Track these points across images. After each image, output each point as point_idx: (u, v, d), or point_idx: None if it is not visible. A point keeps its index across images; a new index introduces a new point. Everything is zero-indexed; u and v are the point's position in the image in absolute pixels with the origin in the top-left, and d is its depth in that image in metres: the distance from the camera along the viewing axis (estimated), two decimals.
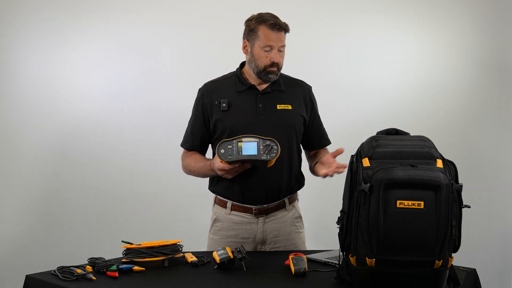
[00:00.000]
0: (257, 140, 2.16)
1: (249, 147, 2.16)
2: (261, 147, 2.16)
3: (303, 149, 2.49)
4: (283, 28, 2.29)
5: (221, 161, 2.17)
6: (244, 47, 2.36)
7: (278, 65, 2.31)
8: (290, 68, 2.53)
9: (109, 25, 3.54)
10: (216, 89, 2.39)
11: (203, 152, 2.45)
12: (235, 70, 2.44)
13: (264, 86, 2.38)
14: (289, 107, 2.36)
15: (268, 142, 2.16)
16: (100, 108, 3.53)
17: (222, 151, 2.16)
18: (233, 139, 2.17)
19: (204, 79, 2.48)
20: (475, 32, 3.63)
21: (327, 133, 2.52)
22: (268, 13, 2.32)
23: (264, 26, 2.27)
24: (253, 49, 2.31)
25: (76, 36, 3.53)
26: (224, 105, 2.32)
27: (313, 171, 2.45)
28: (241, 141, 2.16)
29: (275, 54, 2.28)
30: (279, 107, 2.35)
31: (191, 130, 2.43)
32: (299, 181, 2.44)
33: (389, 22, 3.63)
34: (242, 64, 2.43)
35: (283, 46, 2.31)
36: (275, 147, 2.16)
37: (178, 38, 3.57)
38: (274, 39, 2.27)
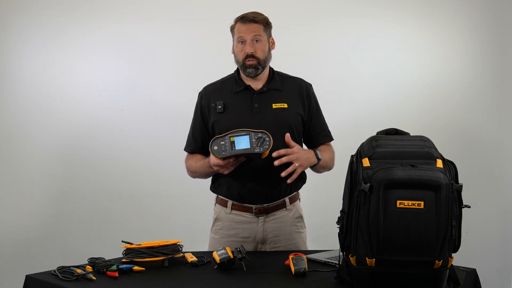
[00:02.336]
0: (248, 133, 2.18)
1: (242, 141, 2.18)
2: (253, 140, 2.18)
3: (306, 147, 2.49)
4: (251, 18, 2.33)
5: (215, 157, 2.18)
6: (232, 49, 2.42)
7: (257, 58, 2.33)
8: (289, 68, 2.54)
9: (110, 25, 3.54)
10: (213, 92, 2.42)
11: (205, 154, 2.45)
12: (233, 72, 2.46)
13: (260, 85, 2.39)
14: (285, 105, 2.37)
15: (260, 135, 2.18)
16: (100, 108, 3.53)
17: (216, 147, 2.18)
18: (225, 135, 2.19)
19: (203, 79, 2.49)
20: (475, 30, 3.63)
21: (330, 131, 2.51)
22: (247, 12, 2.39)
23: (237, 23, 2.37)
24: (233, 47, 2.39)
25: (77, 36, 3.53)
26: (219, 107, 2.35)
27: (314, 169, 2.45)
28: (233, 136, 2.18)
29: (248, 45, 2.33)
30: (274, 106, 2.36)
31: (193, 134, 2.46)
32: (299, 180, 2.43)
33: (388, 21, 3.63)
34: None
35: (257, 36, 2.34)
36: (267, 139, 2.18)
37: (177, 38, 3.57)
38: (244, 30, 2.33)
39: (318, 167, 2.38)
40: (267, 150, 2.18)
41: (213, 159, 2.22)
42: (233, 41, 2.39)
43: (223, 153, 2.18)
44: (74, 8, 3.53)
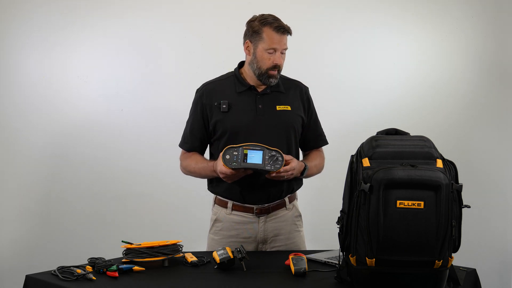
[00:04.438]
0: (263, 149, 2.17)
1: (255, 155, 2.17)
2: (266, 157, 2.17)
3: (300, 149, 2.49)
4: (286, 30, 2.30)
5: (225, 166, 2.17)
6: (246, 48, 2.35)
7: (279, 68, 2.32)
8: (289, 68, 2.53)
9: (109, 25, 3.54)
10: (215, 90, 2.39)
11: (202, 152, 2.45)
12: (233, 70, 2.44)
13: (263, 86, 2.38)
14: (288, 107, 2.37)
15: (273, 153, 2.18)
16: (99, 108, 3.53)
17: (228, 157, 2.17)
18: (239, 146, 2.18)
19: (203, 79, 2.49)
20: (475, 31, 3.62)
21: (326, 134, 2.52)
22: (270, 15, 2.33)
23: (268, 28, 2.28)
24: (256, 51, 2.31)
25: (76, 36, 3.52)
26: (224, 106, 2.33)
27: None
28: (247, 149, 2.17)
29: (278, 57, 2.29)
30: (278, 108, 2.36)
31: (190, 131, 2.43)
32: (299, 181, 2.45)
33: (388, 21, 3.62)
34: (240, 64, 2.44)
35: (286, 48, 2.33)
36: (280, 158, 2.18)
37: (178, 38, 3.57)
38: (278, 42, 2.28)
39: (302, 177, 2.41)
40: (278, 170, 2.18)
41: (221, 167, 2.20)
42: (256, 43, 2.30)
43: (234, 163, 2.17)
44: (74, 7, 3.52)
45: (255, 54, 2.31)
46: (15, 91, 3.51)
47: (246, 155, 2.16)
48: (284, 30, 2.28)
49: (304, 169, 2.34)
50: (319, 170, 2.48)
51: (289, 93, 2.41)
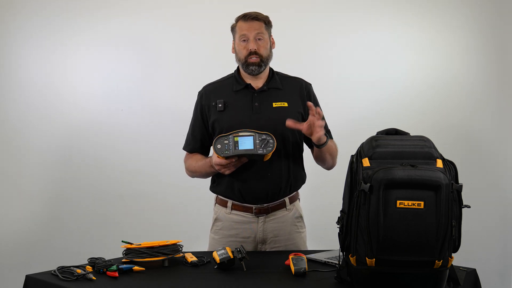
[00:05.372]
0: (253, 134, 2.19)
1: (245, 141, 2.19)
2: (257, 141, 2.19)
3: (308, 146, 2.48)
4: (253, 16, 2.35)
5: (218, 156, 2.19)
6: (232, 48, 2.44)
7: (260, 56, 2.34)
8: (290, 68, 2.54)
9: (109, 25, 3.54)
10: (213, 91, 2.43)
11: (205, 154, 2.47)
12: (233, 71, 2.46)
13: (260, 84, 2.39)
14: (285, 104, 2.38)
15: (264, 136, 2.19)
16: (99, 108, 3.53)
17: (219, 146, 2.19)
18: (229, 134, 2.21)
19: (203, 79, 2.50)
20: (476, 31, 3.62)
21: (330, 131, 2.50)
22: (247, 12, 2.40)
23: (239, 21, 2.38)
24: (235, 45, 2.40)
25: (76, 36, 3.53)
26: (220, 105, 2.36)
27: (317, 160, 2.44)
28: (237, 136, 2.19)
29: (251, 43, 2.34)
30: (275, 104, 2.37)
31: (192, 133, 2.46)
32: (299, 179, 2.44)
33: (389, 22, 3.62)
34: None
35: (260, 34, 2.35)
36: (271, 141, 2.19)
37: (178, 38, 3.57)
38: (247, 28, 2.34)
39: (324, 150, 2.32)
40: (270, 152, 2.19)
41: (215, 158, 2.23)
42: (234, 40, 2.40)
43: (226, 152, 2.19)
44: (74, 7, 3.52)
45: (235, 49, 2.40)
46: (15, 91, 3.52)
47: (237, 142, 2.19)
48: (250, 16, 2.35)
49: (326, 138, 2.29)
50: (336, 147, 2.43)
51: (287, 90, 2.42)
